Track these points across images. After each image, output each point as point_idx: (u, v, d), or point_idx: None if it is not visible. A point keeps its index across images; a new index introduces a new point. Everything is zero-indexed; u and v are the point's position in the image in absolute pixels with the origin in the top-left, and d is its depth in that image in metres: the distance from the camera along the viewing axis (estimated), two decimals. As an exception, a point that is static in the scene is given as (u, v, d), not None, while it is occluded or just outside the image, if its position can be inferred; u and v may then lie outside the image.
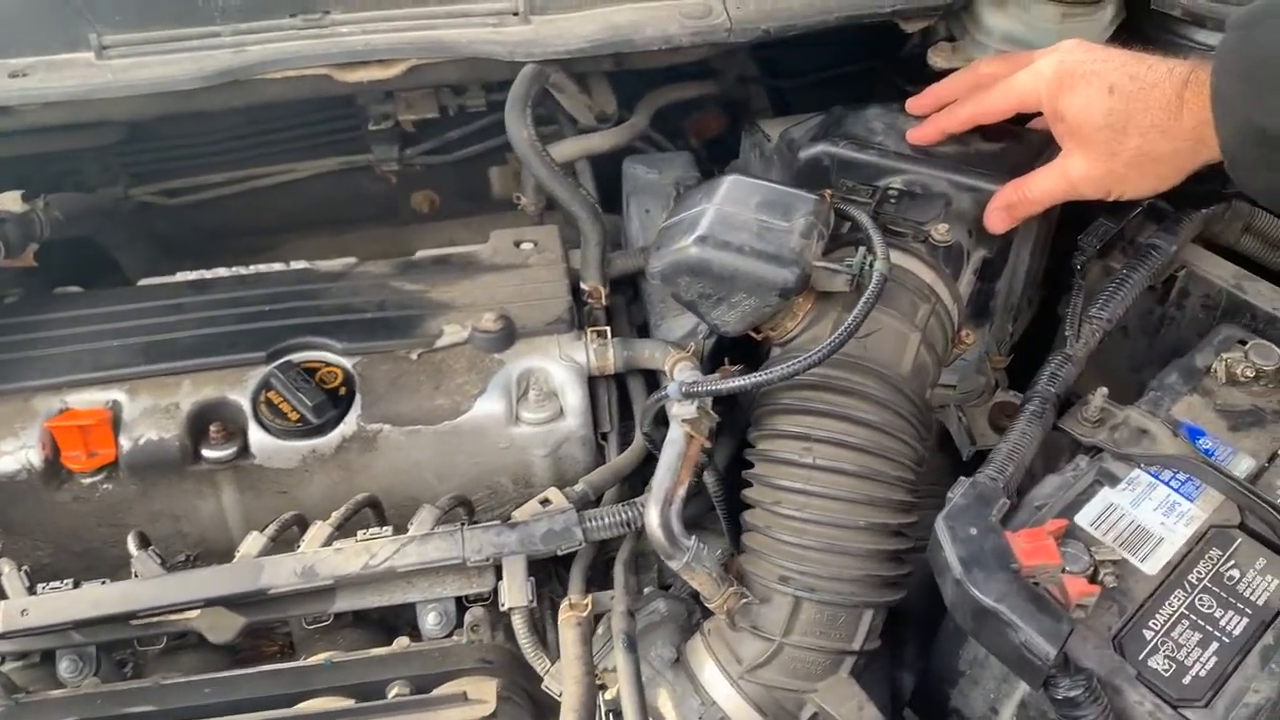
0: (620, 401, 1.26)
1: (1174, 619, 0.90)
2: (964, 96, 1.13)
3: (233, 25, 1.22)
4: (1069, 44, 1.05)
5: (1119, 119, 0.98)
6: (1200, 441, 1.02)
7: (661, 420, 1.14)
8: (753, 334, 1.10)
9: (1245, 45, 0.89)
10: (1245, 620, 0.90)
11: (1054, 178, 1.06)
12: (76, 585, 1.06)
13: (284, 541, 1.11)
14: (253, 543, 1.08)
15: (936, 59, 1.33)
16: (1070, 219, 1.31)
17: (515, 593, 1.05)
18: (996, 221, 1.11)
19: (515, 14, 1.22)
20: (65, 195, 1.49)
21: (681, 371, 1.14)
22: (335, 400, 1.16)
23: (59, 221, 1.37)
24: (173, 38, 1.21)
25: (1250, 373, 1.06)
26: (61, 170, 1.59)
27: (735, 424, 1.21)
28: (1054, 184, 1.06)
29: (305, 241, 1.78)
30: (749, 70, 1.67)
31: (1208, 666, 0.87)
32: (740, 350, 1.23)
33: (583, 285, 1.27)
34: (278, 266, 1.32)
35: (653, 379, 1.26)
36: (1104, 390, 1.04)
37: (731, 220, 1.02)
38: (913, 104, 1.19)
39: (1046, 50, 1.06)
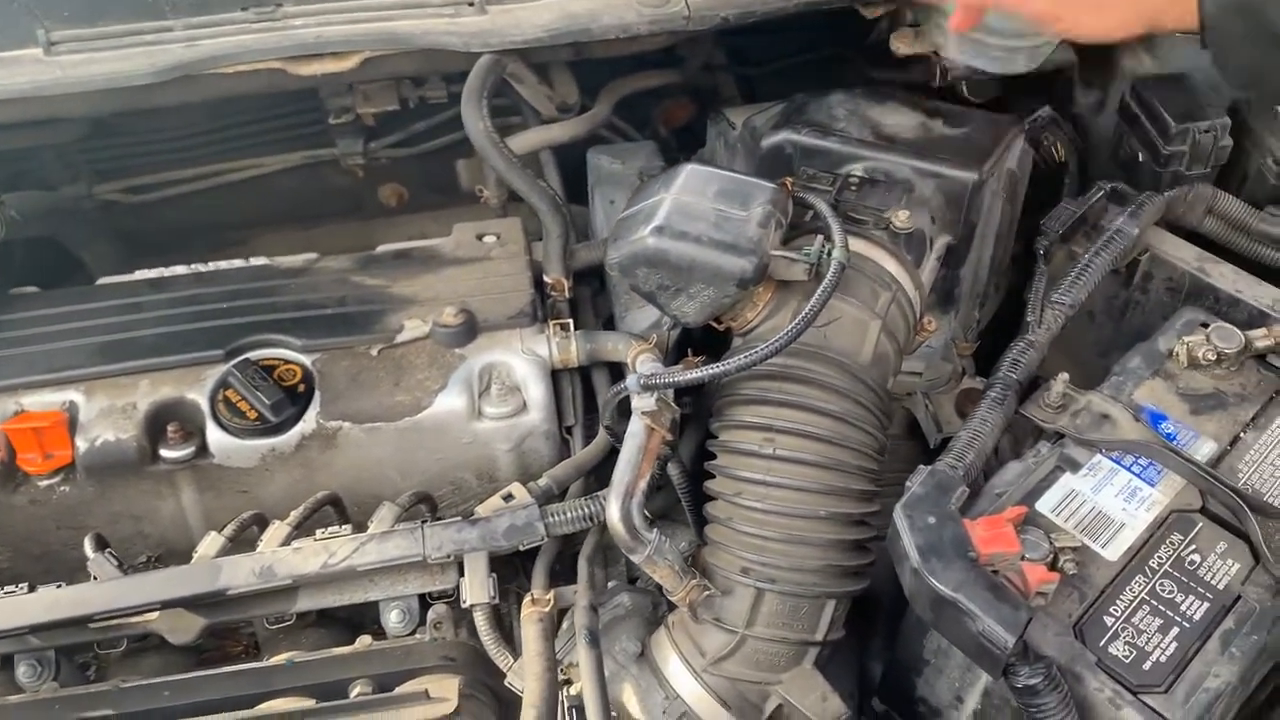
0: (585, 394, 1.25)
1: (1135, 605, 0.90)
2: None
3: (184, 19, 1.20)
4: None
5: None
6: (1162, 426, 1.02)
7: (624, 413, 1.13)
8: (714, 324, 1.09)
9: None
10: (1206, 605, 0.90)
11: None
12: (32, 589, 1.04)
13: (244, 541, 1.10)
14: (210, 543, 1.07)
15: (899, 44, 1.32)
16: (1036, 205, 1.31)
17: (477, 589, 1.04)
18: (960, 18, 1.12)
19: (470, 4, 1.20)
20: (25, 194, 1.48)
21: (643, 364, 1.13)
22: (294, 398, 1.15)
23: (16, 221, 1.36)
24: (123, 33, 1.20)
25: (1212, 356, 1.05)
26: (21, 169, 1.57)
27: (701, 415, 1.20)
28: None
29: (272, 237, 1.76)
30: (715, 58, 1.66)
31: (1168, 652, 0.87)
32: (706, 341, 1.23)
33: (545, 278, 1.26)
34: (237, 263, 1.31)
35: (618, 371, 1.25)
36: (1065, 376, 1.03)
37: (689, 210, 1.01)
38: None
39: None
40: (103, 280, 1.31)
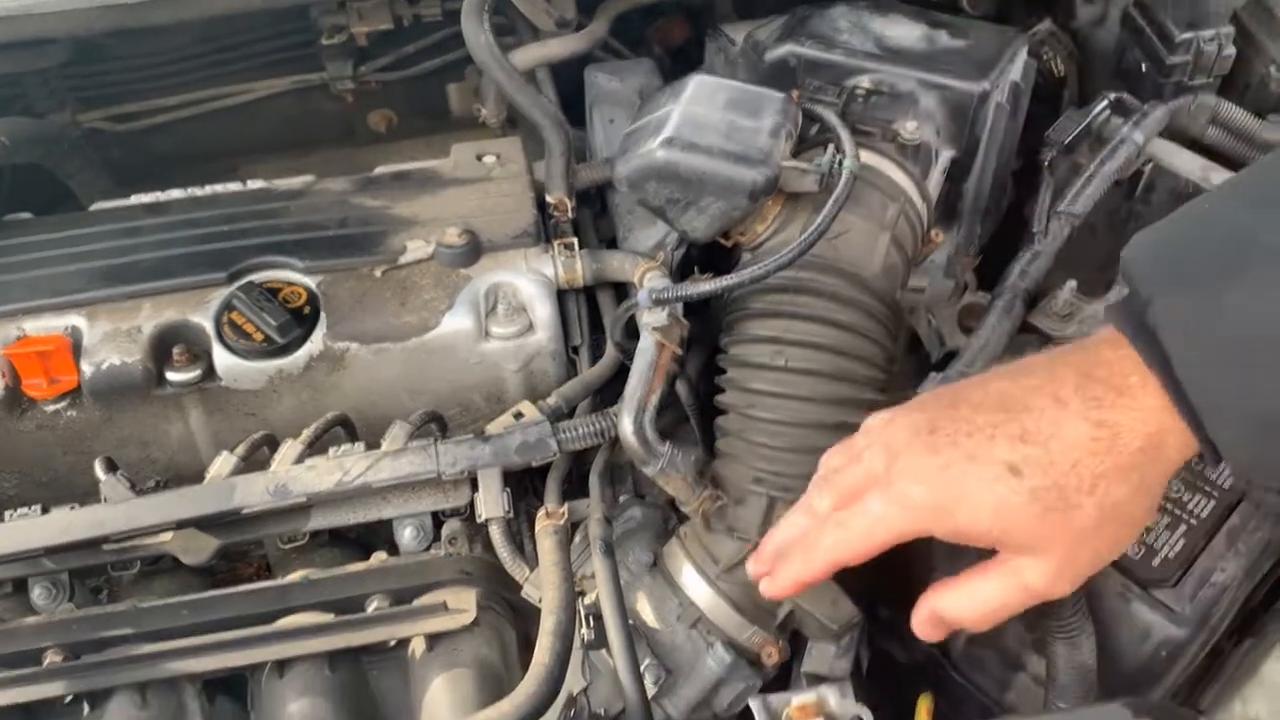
0: (590, 314, 1.25)
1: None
2: (806, 546, 0.84)
3: (177, -67, 1.17)
4: (899, 430, 0.78)
5: (1051, 498, 0.70)
6: (1168, 332, 1.03)
7: (632, 330, 1.13)
8: (722, 240, 1.09)
9: (1210, 321, 0.65)
10: (1212, 503, 0.92)
11: (1009, 591, 0.75)
12: (45, 511, 1.04)
13: (255, 462, 1.10)
14: (223, 463, 1.07)
15: (901, -46, 1.30)
16: (1033, 121, 1.30)
17: (491, 504, 1.05)
18: (927, 632, 0.83)
19: (468, -86, 1.17)
20: (12, 120, 1.45)
21: (651, 280, 1.13)
22: (300, 319, 1.14)
23: (5, 147, 1.33)
24: (115, -54, 1.17)
25: (1217, 262, 1.06)
26: (4, 96, 1.54)
27: (706, 333, 1.21)
28: (1008, 599, 0.76)
29: (262, 165, 1.73)
30: (711, -26, 1.64)
31: (1176, 548, 0.89)
32: (708, 264, 1.22)
33: (548, 198, 1.25)
34: (234, 186, 1.29)
35: (622, 292, 1.25)
36: (1073, 283, 1.04)
37: (699, 121, 1.01)
38: (755, 563, 0.91)
39: (875, 451, 0.79)
40: (98, 205, 1.30)
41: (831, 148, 1.01)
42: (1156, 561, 0.88)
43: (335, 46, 1.47)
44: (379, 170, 1.31)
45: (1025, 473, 0.70)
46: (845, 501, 0.80)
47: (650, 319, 1.03)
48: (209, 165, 1.72)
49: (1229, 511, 0.91)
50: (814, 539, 0.81)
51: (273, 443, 1.11)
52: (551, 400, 1.14)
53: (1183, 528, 0.90)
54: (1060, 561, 0.73)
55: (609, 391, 1.20)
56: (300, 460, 1.06)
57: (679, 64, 1.65)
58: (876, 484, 0.77)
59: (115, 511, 1.04)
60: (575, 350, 1.23)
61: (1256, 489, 0.88)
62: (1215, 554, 0.89)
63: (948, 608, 0.79)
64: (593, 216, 1.37)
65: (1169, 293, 0.67)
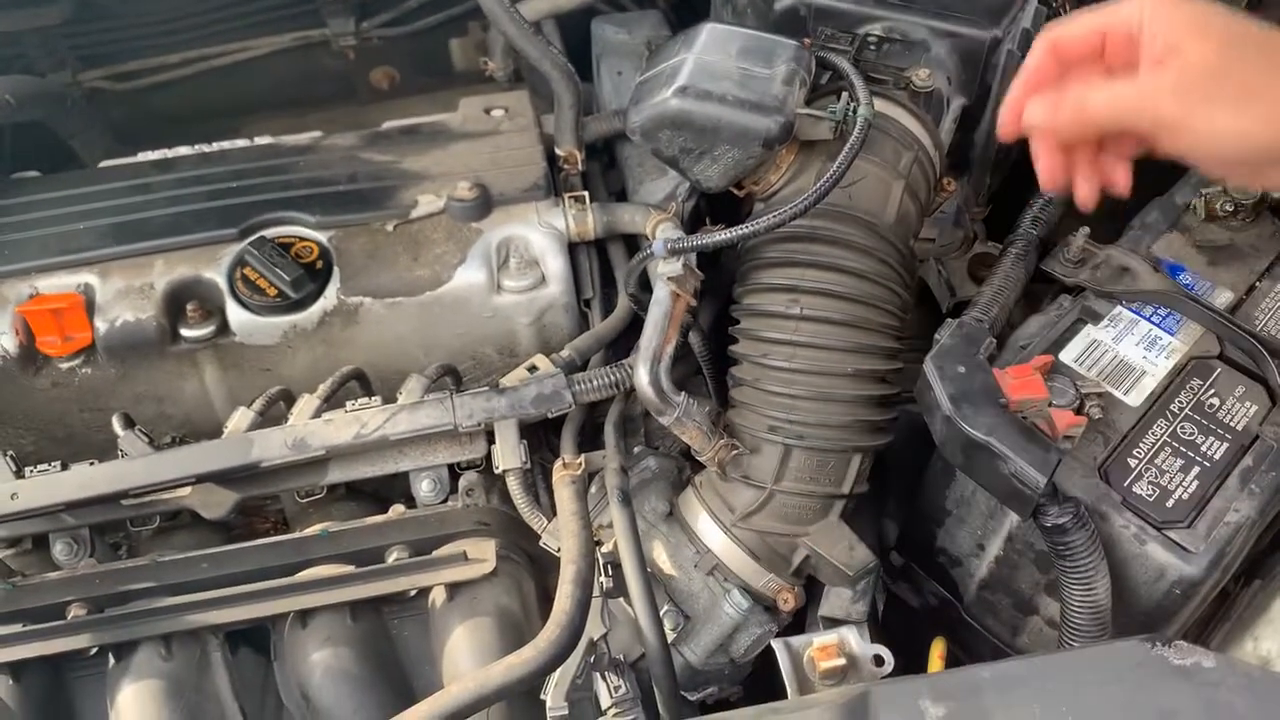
0: (601, 267, 1.25)
1: (1157, 447, 0.93)
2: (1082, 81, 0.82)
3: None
4: None
5: (1236, 36, 0.73)
6: (1180, 277, 1.04)
7: (646, 282, 1.13)
8: (735, 190, 1.09)
9: None
10: (1225, 445, 0.93)
11: (1139, 88, 0.77)
12: (65, 468, 1.05)
13: (271, 417, 1.10)
14: (241, 418, 1.07)
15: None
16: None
17: (509, 455, 1.06)
18: (1009, 130, 0.87)
19: None
20: (14, 78, 1.44)
21: (664, 231, 1.13)
22: (313, 274, 1.14)
23: (9, 105, 1.32)
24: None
25: (1229, 207, 1.06)
26: (5, 56, 1.53)
27: (718, 285, 1.21)
28: (1133, 97, 0.77)
29: (265, 123, 1.71)
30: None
31: (1190, 490, 0.90)
32: (719, 213, 1.22)
33: (557, 150, 1.24)
34: (241, 142, 1.29)
35: (633, 244, 1.25)
36: (1085, 230, 1.04)
37: (712, 69, 1.00)
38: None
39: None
40: (106, 163, 1.29)
41: (845, 95, 1.00)
42: (1171, 503, 0.89)
43: (336, 2, 1.45)
44: (387, 125, 1.31)
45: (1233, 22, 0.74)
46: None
47: (665, 269, 1.03)
48: (211, 124, 1.69)
49: (1242, 453, 0.92)
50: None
51: (289, 398, 1.12)
52: (565, 353, 1.15)
53: (1196, 469, 0.90)
54: (1206, 67, 0.73)
55: (621, 344, 1.21)
56: (317, 414, 1.07)
57: (684, 16, 1.64)
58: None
59: (135, 466, 1.04)
60: (587, 303, 1.23)
61: None
62: (1228, 495, 0.89)
63: (1091, 95, 0.79)
64: (601, 170, 1.37)
65: None
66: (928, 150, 1.09)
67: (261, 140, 1.29)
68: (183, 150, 1.29)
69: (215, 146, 1.29)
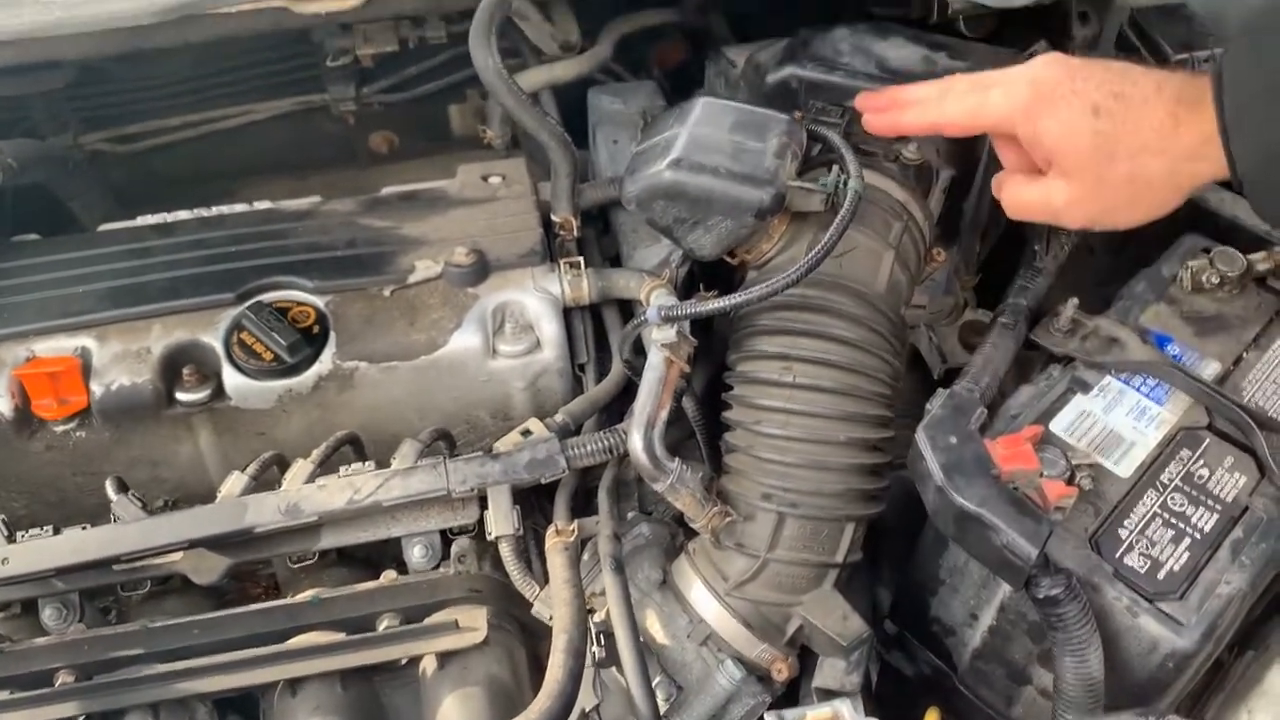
0: (596, 332, 1.26)
1: (1147, 518, 0.93)
2: (927, 103, 1.01)
3: (186, -43, 1.18)
4: (1043, 59, 0.94)
5: (1106, 143, 0.88)
6: (1168, 348, 1.05)
7: (640, 347, 1.14)
8: (728, 258, 1.10)
9: (1260, 55, 0.83)
10: (1215, 516, 0.93)
11: (1035, 197, 0.96)
12: (57, 532, 1.04)
13: (265, 482, 1.10)
14: (235, 482, 1.07)
15: (899, -25, 1.32)
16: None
17: (501, 521, 1.06)
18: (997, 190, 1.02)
19: (476, -62, 1.19)
20: (16, 142, 1.45)
21: (658, 297, 1.14)
22: (309, 339, 1.15)
23: (11, 168, 1.34)
24: (123, -29, 1.17)
25: (1215, 279, 1.08)
26: (8, 119, 1.55)
27: (711, 350, 1.22)
28: (1033, 204, 0.97)
29: (263, 186, 1.73)
30: (710, -3, 1.66)
31: (1181, 561, 0.90)
32: (712, 281, 1.24)
33: (553, 217, 1.26)
34: (240, 207, 1.30)
35: (627, 310, 1.26)
36: (1075, 301, 1.06)
37: (705, 142, 1.02)
38: (864, 100, 1.07)
39: (1018, 66, 0.96)
40: (105, 226, 1.30)
41: (836, 168, 1.02)
42: (1162, 574, 0.89)
43: (338, 69, 1.48)
44: (386, 190, 1.33)
45: (1101, 117, 0.88)
46: (976, 86, 0.97)
47: (659, 336, 1.04)
48: (211, 186, 1.71)
49: (1232, 524, 0.92)
50: (935, 102, 1.00)
51: (282, 462, 1.12)
52: (559, 418, 1.15)
53: (1187, 541, 0.91)
54: (1083, 194, 0.92)
55: (615, 408, 1.22)
56: (311, 479, 1.07)
57: (678, 85, 1.67)
58: (1004, 81, 0.95)
59: (128, 531, 1.04)
60: (581, 368, 1.24)
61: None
62: (1219, 566, 0.90)
63: (1006, 188, 1.00)
64: (596, 235, 1.39)
65: (1238, 40, 0.86)
66: (917, 220, 1.10)
67: (260, 205, 1.31)
68: (182, 214, 1.30)
69: (214, 211, 1.30)
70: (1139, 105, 0.87)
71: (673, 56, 1.72)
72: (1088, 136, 0.89)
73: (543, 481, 1.08)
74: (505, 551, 1.06)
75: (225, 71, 1.64)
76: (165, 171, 1.72)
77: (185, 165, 1.72)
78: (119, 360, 1.14)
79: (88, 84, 1.58)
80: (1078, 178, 0.91)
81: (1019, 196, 0.98)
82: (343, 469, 1.07)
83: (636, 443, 0.99)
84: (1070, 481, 0.92)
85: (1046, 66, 0.93)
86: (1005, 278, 1.22)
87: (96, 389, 1.12)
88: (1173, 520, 0.93)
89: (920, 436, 0.93)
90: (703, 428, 1.17)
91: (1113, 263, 1.31)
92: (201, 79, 1.64)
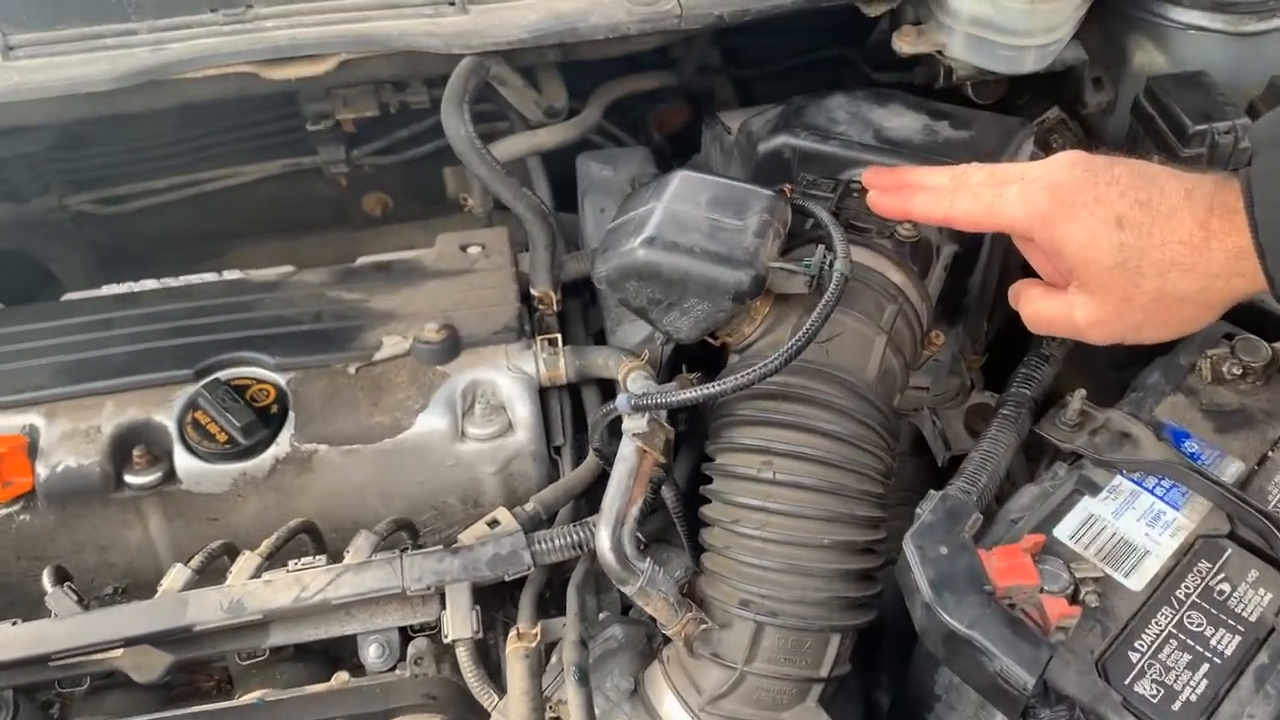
0: (574, 413, 1.19)
1: (1161, 639, 0.84)
2: (939, 192, 0.95)
3: (150, 22, 1.14)
4: (1065, 159, 0.88)
5: (1131, 257, 0.82)
6: (1185, 445, 0.96)
7: (615, 433, 1.07)
8: (710, 339, 1.03)
9: None
10: (1238, 639, 0.84)
11: (1057, 313, 0.91)
12: (-12, 625, 0.98)
13: (214, 571, 1.04)
14: (176, 576, 1.01)
15: (902, 44, 1.26)
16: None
17: (459, 624, 0.98)
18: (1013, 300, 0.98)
19: (451, 3, 1.14)
20: (-3, 207, 1.42)
21: (634, 382, 1.07)
22: (266, 419, 1.09)
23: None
24: (86, 36, 1.14)
25: (1237, 370, 0.99)
26: (-10, 181, 1.52)
27: (697, 433, 1.15)
28: (1054, 319, 0.92)
29: (253, 248, 1.71)
30: (711, 60, 1.61)
31: (1199, 690, 0.81)
32: (701, 356, 1.17)
33: (532, 291, 1.20)
34: (209, 277, 1.25)
35: (609, 388, 1.20)
36: (1082, 392, 0.97)
37: (681, 220, 0.96)
38: (872, 177, 1.02)
39: (1037, 164, 0.90)
40: (68, 296, 1.25)
41: (822, 248, 0.95)
42: (1177, 705, 0.80)
43: (324, 132, 1.44)
44: (361, 261, 1.27)
45: (1126, 229, 0.82)
46: (992, 181, 0.91)
47: (630, 425, 0.97)
48: (199, 248, 1.68)
49: (1256, 648, 0.83)
50: (947, 192, 0.94)
51: (232, 551, 1.05)
52: (529, 507, 1.08)
53: (1205, 666, 0.82)
54: (1106, 312, 0.87)
55: (593, 495, 1.14)
56: (258, 574, 1.00)
57: (680, 150, 1.62)
58: (1022, 180, 0.89)
59: (60, 628, 0.98)
60: (558, 450, 1.17)
61: None
62: (1241, 697, 0.80)
63: (1023, 300, 0.96)
64: (582, 307, 1.32)
65: (1265, 151, 0.81)
66: (913, 302, 1.03)
67: (230, 274, 1.25)
68: (149, 283, 1.25)
69: (182, 281, 1.25)
70: (1166, 216, 0.81)
71: (673, 119, 1.66)
72: (1111, 251, 0.83)
73: (506, 580, 1.01)
74: (463, 657, 0.99)
75: (213, 133, 1.61)
76: (153, 233, 1.68)
77: (173, 227, 1.68)
78: (67, 440, 1.08)
79: (71, 146, 1.55)
80: (1101, 295, 0.86)
81: (1039, 311, 0.94)
82: (291, 563, 1.00)
83: (604, 542, 0.92)
84: (1075, 598, 0.83)
85: (1068, 169, 0.87)
86: (1015, 358, 1.14)
87: (42, 470, 1.07)
88: (1190, 642, 0.84)
89: (908, 546, 0.85)
90: (684, 519, 1.09)
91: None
92: (189, 140, 1.61)
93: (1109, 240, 0.83)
